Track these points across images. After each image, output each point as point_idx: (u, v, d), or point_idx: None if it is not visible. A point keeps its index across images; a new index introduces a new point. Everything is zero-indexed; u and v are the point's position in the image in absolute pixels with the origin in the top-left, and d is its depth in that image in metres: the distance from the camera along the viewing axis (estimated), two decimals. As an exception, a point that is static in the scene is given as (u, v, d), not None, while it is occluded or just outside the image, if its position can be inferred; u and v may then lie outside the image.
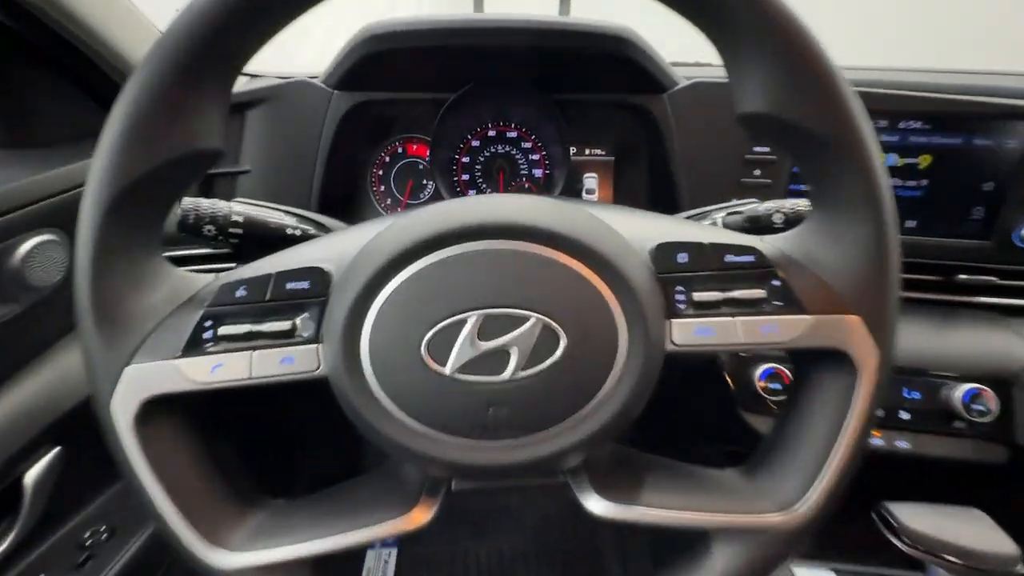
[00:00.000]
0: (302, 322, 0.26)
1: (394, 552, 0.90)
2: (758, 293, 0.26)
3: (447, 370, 0.25)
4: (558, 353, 0.25)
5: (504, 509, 0.95)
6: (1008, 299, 0.52)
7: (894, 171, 0.50)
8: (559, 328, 0.24)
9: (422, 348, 0.25)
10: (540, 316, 0.24)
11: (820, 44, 0.23)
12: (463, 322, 0.24)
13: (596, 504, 0.28)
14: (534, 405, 0.25)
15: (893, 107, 0.50)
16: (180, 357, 0.26)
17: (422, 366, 0.25)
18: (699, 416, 0.63)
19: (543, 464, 0.26)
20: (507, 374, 0.25)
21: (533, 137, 0.61)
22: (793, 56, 0.23)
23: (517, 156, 0.61)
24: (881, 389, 0.26)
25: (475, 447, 0.26)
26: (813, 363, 0.28)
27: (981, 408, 0.47)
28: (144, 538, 0.50)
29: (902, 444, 0.48)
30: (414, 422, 0.26)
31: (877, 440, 0.49)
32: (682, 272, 0.26)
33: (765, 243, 0.28)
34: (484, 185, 0.63)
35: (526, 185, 0.62)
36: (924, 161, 0.49)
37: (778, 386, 0.50)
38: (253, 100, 0.54)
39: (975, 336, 0.51)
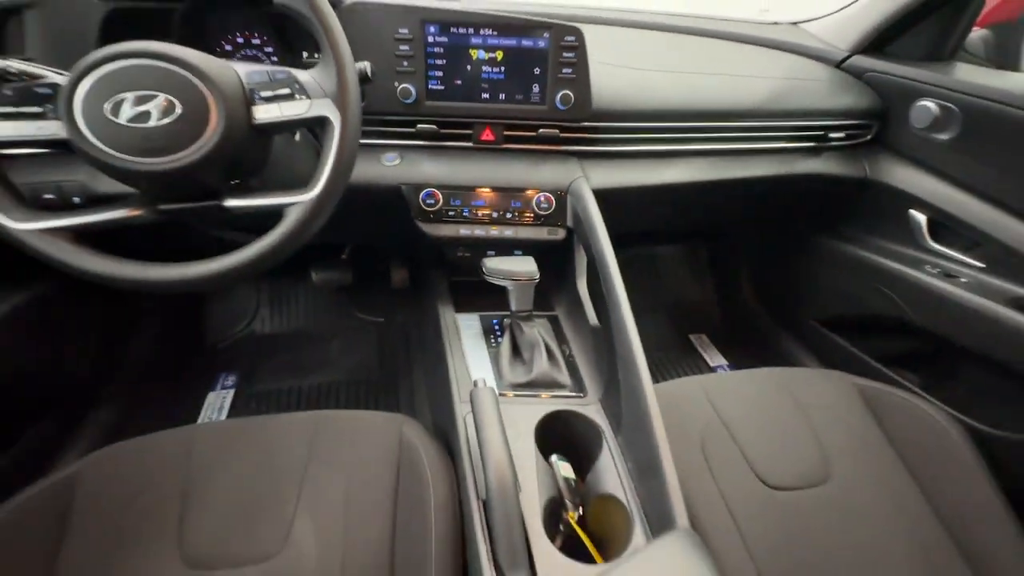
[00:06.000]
0: (48, 109, 0.47)
1: (231, 392, 1.19)
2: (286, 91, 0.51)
3: (122, 121, 0.46)
4: (176, 114, 0.46)
5: (325, 358, 1.29)
6: (564, 145, 0.81)
7: (483, 63, 0.74)
8: (176, 101, 0.46)
9: (107, 112, 0.45)
10: (166, 95, 0.46)
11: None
12: (124, 99, 0.45)
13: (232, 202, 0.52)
14: (169, 138, 0.46)
15: (481, 21, 0.72)
16: None
17: (108, 121, 0.45)
18: (392, 226, 0.87)
19: (184, 173, 0.47)
20: (152, 124, 0.46)
21: (275, 43, 0.79)
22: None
23: (261, 57, 0.80)
24: (346, 137, 0.52)
25: (146, 163, 0.47)
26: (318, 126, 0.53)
27: (545, 206, 0.80)
28: None
29: (508, 232, 0.82)
30: (113, 151, 0.46)
31: (500, 231, 0.81)
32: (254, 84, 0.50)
33: (302, 72, 0.52)
34: None
35: None
36: (499, 55, 0.75)
37: (432, 201, 0.78)
38: (28, 4, 0.67)
39: (549, 167, 0.80)
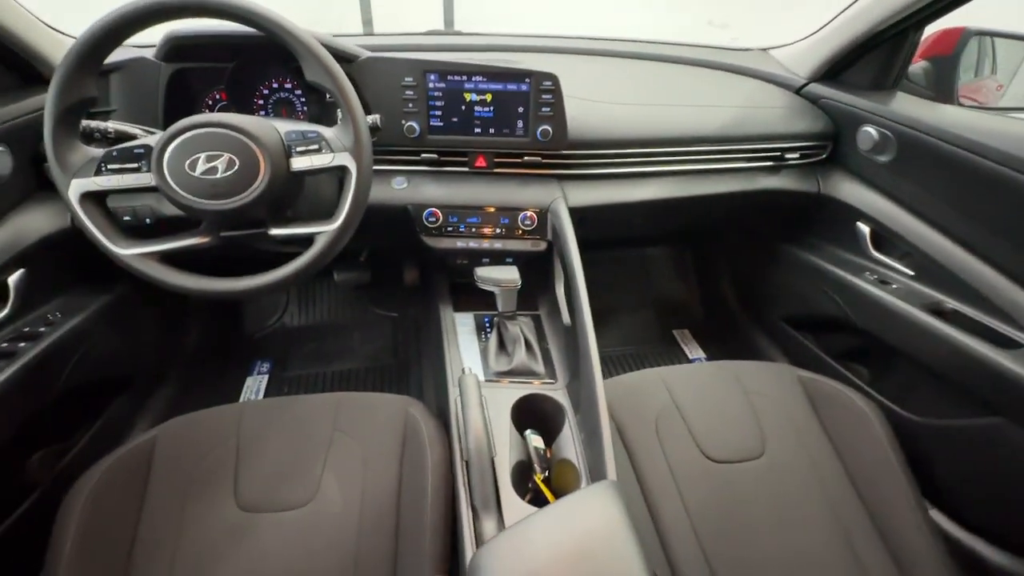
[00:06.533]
0: (143, 165, 0.63)
1: (266, 377, 1.38)
2: (315, 147, 0.65)
3: (197, 174, 0.61)
4: (235, 168, 0.62)
5: (346, 347, 1.49)
6: (546, 170, 0.95)
7: (475, 104, 0.89)
8: (236, 159, 0.62)
9: (186, 167, 0.61)
10: (229, 154, 0.62)
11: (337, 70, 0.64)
12: (199, 157, 0.61)
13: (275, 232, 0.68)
14: (230, 185, 0.62)
15: (473, 70, 0.86)
16: (92, 177, 0.62)
17: (186, 174, 0.61)
18: (401, 238, 0.98)
19: (240, 210, 0.63)
20: (218, 176, 0.62)
21: (303, 87, 0.93)
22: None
23: (292, 99, 0.95)
24: (361, 181, 0.67)
25: (214, 204, 0.62)
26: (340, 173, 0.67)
27: (528, 222, 0.93)
28: (80, 318, 0.87)
29: (498, 245, 0.95)
30: (190, 196, 0.62)
31: (491, 244, 0.95)
32: (291, 141, 0.65)
33: (327, 130, 0.66)
34: (274, 116, 0.93)
35: (301, 117, 0.95)
36: (488, 97, 0.89)
37: (434, 219, 0.92)
38: (113, 68, 0.85)
39: (533, 188, 0.94)
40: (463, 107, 0.90)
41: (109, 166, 0.64)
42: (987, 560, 0.85)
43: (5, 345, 0.76)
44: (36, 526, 0.72)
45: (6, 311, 0.78)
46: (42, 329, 0.81)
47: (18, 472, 0.82)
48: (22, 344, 0.77)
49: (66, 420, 0.92)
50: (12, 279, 0.78)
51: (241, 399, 1.32)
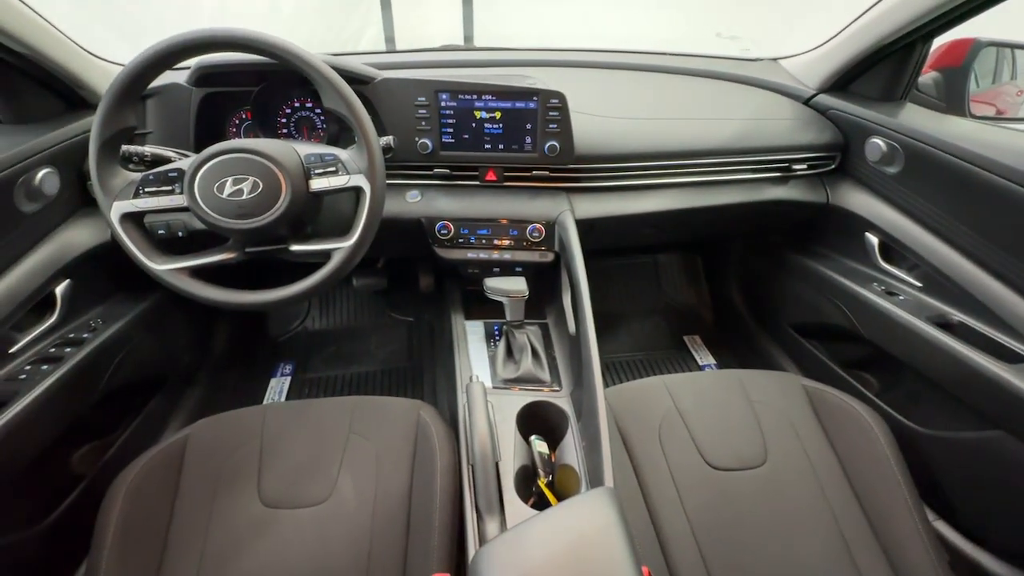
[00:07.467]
0: (176, 187, 0.68)
1: (289, 378, 1.45)
2: (332, 169, 0.71)
3: (224, 196, 0.67)
4: (259, 190, 0.67)
5: (364, 350, 1.56)
6: (554, 183, 0.98)
7: (485, 121, 0.93)
8: (260, 181, 0.67)
9: (215, 190, 0.67)
10: (253, 177, 0.67)
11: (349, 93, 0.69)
12: (226, 181, 0.67)
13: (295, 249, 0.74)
14: (254, 206, 0.67)
15: (483, 89, 0.89)
16: (131, 199, 0.68)
17: (215, 196, 0.67)
18: (415, 248, 1.02)
19: (263, 229, 0.69)
20: (244, 197, 0.67)
21: (322, 107, 0.97)
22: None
23: (313, 117, 1.00)
24: (374, 201, 0.72)
25: (239, 224, 0.68)
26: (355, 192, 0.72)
27: (536, 234, 0.96)
28: (120, 325, 0.95)
29: (507, 256, 1.00)
30: (217, 216, 0.67)
31: (501, 255, 0.99)
32: (310, 164, 0.70)
33: (343, 152, 0.71)
34: (296, 134, 1.00)
35: (321, 134, 1.01)
36: (498, 115, 0.93)
37: (445, 231, 0.97)
38: (150, 94, 0.91)
39: (541, 201, 0.98)
40: (473, 124, 0.94)
41: (146, 189, 0.70)
42: (989, 571, 0.86)
43: (53, 350, 0.83)
44: (82, 513, 0.78)
45: (54, 319, 0.86)
46: (86, 335, 0.88)
47: (67, 465, 0.89)
48: (68, 349, 0.84)
49: (108, 418, 0.99)
50: (59, 289, 0.86)
51: (265, 399, 1.40)
